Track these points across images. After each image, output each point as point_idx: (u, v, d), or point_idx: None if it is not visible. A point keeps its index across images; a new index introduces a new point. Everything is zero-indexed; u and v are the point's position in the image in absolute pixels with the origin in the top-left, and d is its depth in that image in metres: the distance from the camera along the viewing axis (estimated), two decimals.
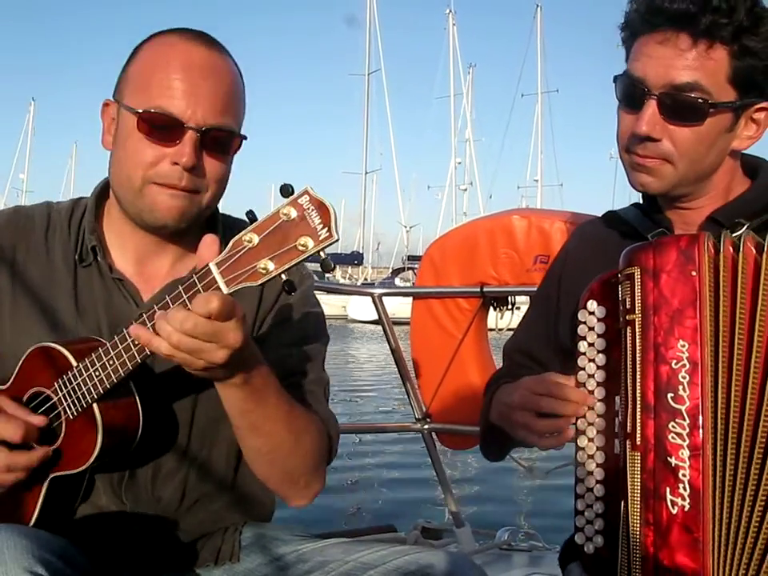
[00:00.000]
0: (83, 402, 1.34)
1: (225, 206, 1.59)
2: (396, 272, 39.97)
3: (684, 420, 1.25)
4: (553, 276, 1.70)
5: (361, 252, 49.60)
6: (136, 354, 1.27)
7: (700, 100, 1.40)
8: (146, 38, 1.48)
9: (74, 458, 1.37)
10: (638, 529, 1.26)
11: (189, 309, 1.18)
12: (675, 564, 1.23)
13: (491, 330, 3.22)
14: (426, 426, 3.16)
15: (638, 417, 1.27)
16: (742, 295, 1.27)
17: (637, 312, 1.29)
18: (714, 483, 1.24)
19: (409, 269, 37.35)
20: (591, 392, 1.36)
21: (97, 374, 1.31)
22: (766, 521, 1.23)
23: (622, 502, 1.28)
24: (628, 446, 1.28)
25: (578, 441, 1.37)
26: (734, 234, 1.35)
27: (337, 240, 1.13)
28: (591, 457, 1.35)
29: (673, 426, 1.25)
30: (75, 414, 1.36)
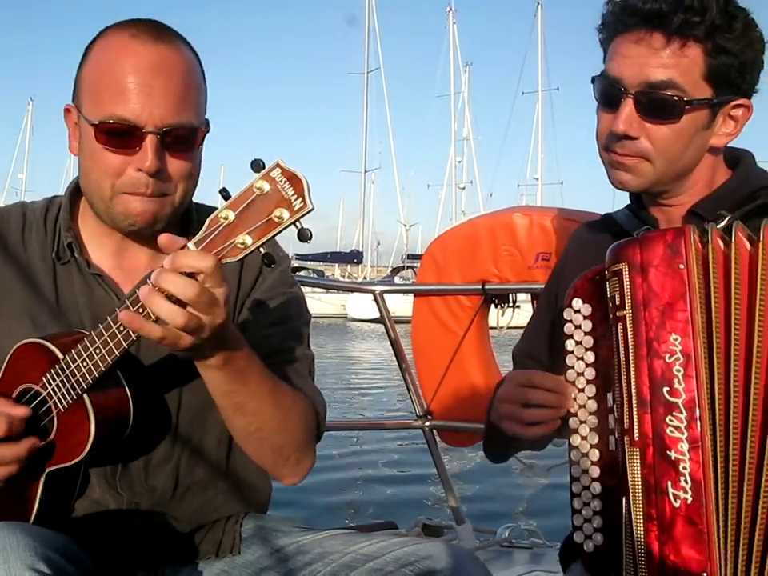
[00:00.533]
0: (73, 393, 1.34)
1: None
2: (395, 271, 39.89)
3: (681, 413, 1.25)
4: (554, 280, 1.72)
5: (360, 251, 49.41)
6: (122, 341, 1.28)
7: (675, 98, 1.41)
8: (95, 36, 1.46)
9: (68, 450, 1.37)
10: (642, 524, 1.26)
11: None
12: (681, 557, 1.23)
13: (492, 327, 3.22)
14: (427, 423, 3.16)
15: (635, 412, 1.27)
16: (736, 286, 1.28)
17: (627, 308, 1.29)
18: (715, 474, 1.24)
19: (408, 267, 37.29)
20: (581, 390, 1.37)
21: (84, 364, 1.32)
22: None
23: (624, 499, 1.29)
24: (626, 442, 1.28)
25: (570, 439, 1.37)
26: (719, 226, 1.35)
27: (312, 209, 1.14)
28: (585, 455, 1.36)
29: (670, 420, 1.25)
30: (66, 406, 1.36)
